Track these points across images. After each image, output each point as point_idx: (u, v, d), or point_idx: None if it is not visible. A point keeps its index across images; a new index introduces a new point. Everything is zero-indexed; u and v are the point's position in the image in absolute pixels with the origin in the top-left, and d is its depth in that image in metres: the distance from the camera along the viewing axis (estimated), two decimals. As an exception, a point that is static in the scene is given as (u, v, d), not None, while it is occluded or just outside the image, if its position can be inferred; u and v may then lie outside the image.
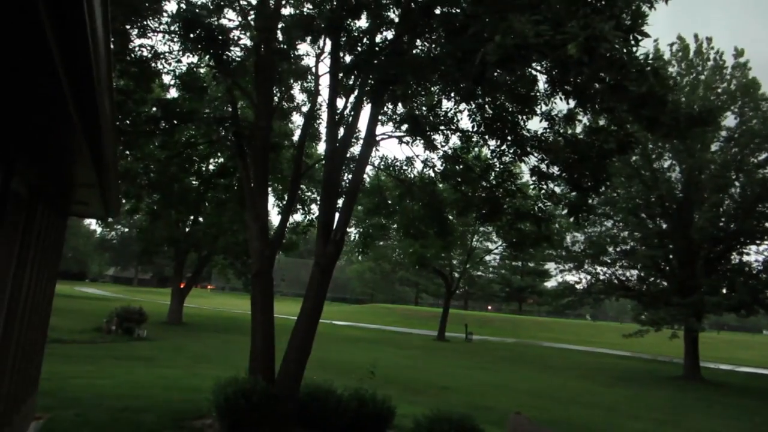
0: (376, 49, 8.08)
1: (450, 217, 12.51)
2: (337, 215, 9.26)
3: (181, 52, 10.06)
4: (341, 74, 9.40)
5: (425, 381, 17.31)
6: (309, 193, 19.65)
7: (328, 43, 9.86)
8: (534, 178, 9.56)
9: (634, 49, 5.74)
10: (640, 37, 5.76)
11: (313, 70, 11.37)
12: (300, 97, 12.57)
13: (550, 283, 73.62)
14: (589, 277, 29.80)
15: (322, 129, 14.87)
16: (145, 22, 9.62)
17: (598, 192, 9.26)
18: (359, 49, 8.21)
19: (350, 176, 10.63)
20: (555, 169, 9.24)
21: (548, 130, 9.21)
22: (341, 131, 9.75)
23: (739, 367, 33.23)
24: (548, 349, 38.29)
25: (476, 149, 11.47)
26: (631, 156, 23.74)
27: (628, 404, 17.02)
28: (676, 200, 26.47)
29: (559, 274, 32.25)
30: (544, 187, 9.55)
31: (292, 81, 11.74)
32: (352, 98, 9.74)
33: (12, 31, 2.05)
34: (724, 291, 25.11)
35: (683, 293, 24.70)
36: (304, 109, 12.61)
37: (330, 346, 23.65)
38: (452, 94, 8.35)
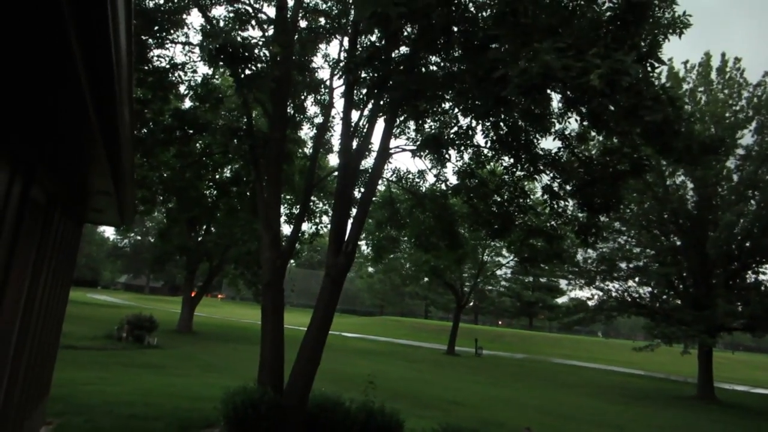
0: (392, 66, 8.14)
1: (461, 230, 12.50)
2: (348, 226, 9.29)
3: (198, 64, 10.20)
4: (357, 89, 9.47)
5: (434, 395, 17.19)
6: (320, 204, 19.71)
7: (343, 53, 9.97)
8: (546, 196, 9.55)
9: (650, 74, 5.78)
10: (656, 64, 5.80)
11: (327, 83, 11.50)
12: (312, 109, 12.71)
13: (563, 299, 73.08)
14: (601, 293, 29.54)
15: (334, 140, 14.98)
16: (164, 34, 9.78)
17: (608, 213, 9.22)
18: (376, 63, 8.26)
19: (363, 188, 10.68)
20: (567, 188, 9.23)
21: (562, 150, 9.21)
22: (355, 143, 9.81)
23: (755, 389, 32.63)
24: (559, 365, 37.88)
25: (491, 164, 11.51)
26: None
27: (640, 424, 16.76)
28: (690, 216, 26.23)
29: (571, 289, 32.00)
30: (556, 205, 9.53)
31: (305, 93, 11.87)
32: (366, 111, 9.81)
33: (39, 42, 2.11)
34: (740, 308, 24.76)
35: (697, 310, 24.39)
36: (317, 120, 12.73)
37: (339, 358, 23.60)
38: (468, 111, 8.38)
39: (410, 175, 12.33)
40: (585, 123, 7.94)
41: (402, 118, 10.26)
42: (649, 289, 28.64)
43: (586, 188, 8.49)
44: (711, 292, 24.97)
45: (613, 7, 6.19)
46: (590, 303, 30.06)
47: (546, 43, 4.88)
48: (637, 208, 27.06)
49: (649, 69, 5.77)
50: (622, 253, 28.86)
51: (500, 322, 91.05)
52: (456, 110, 9.35)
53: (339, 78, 9.73)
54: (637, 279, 28.58)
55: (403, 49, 8.49)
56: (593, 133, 8.80)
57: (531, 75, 4.70)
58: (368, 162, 11.86)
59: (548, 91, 7.32)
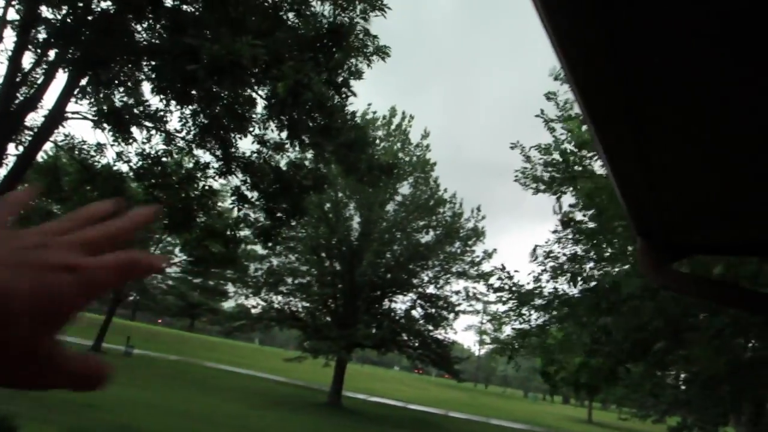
0: (88, 18, 7.12)
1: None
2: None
3: None
4: (36, 33, 7.98)
5: (63, 397, 15.17)
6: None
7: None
8: (234, 198, 9.60)
9: (345, 101, 6.56)
10: (349, 94, 6.62)
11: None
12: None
13: (228, 304, 73.58)
14: (264, 303, 30.87)
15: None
16: None
17: (290, 223, 9.82)
18: (65, 9, 7.13)
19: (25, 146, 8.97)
20: (255, 194, 9.47)
21: (258, 154, 9.44)
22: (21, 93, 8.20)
23: (372, 397, 38.32)
24: (212, 369, 37.85)
25: (180, 156, 10.96)
26: (325, 201, 26.63)
27: (276, 428, 17.89)
28: (351, 247, 29.79)
29: (237, 296, 32.65)
30: (243, 207, 9.67)
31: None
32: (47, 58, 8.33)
33: None
34: (374, 330, 29.03)
35: (342, 329, 27.67)
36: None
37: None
38: (167, 92, 7.89)
39: (86, 146, 10.89)
40: (283, 132, 8.34)
41: (86, 81, 9.00)
42: (308, 305, 31.20)
43: (274, 196, 8.88)
44: (355, 315, 28.66)
45: (317, 28, 6.82)
46: (254, 311, 31.17)
47: (246, 39, 5.17)
48: (312, 231, 29.43)
49: (344, 96, 6.55)
50: (290, 270, 30.83)
51: (159, 321, 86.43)
52: (154, 89, 8.70)
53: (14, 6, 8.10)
54: (299, 295, 30.87)
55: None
56: (289, 147, 9.28)
57: (220, 56, 4.96)
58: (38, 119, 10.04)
59: (249, 89, 7.51)
